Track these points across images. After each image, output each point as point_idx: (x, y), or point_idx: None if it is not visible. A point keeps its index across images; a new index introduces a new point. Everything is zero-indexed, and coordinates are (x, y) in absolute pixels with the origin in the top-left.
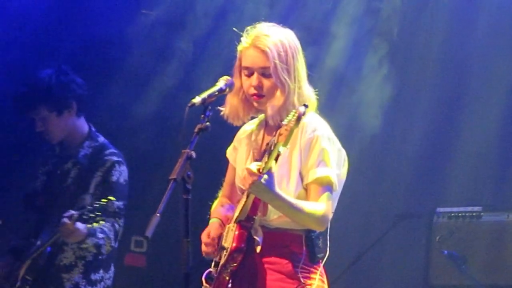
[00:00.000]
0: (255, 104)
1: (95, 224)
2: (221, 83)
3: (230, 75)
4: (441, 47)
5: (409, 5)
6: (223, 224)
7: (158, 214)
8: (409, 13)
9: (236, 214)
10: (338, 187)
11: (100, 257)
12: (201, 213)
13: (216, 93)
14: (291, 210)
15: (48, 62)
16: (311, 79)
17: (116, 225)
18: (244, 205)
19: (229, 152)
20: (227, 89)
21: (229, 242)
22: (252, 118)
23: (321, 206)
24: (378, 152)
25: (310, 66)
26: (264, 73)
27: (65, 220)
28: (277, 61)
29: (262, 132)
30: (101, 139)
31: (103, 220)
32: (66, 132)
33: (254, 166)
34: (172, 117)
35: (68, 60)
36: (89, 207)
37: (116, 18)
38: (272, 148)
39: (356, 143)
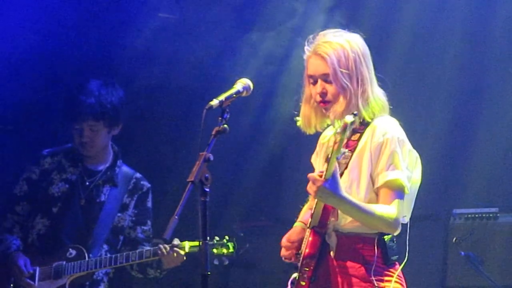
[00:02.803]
0: (324, 110)
1: None
2: (239, 85)
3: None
4: (458, 47)
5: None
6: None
7: (176, 217)
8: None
9: (310, 220)
10: (412, 189)
11: None
12: (217, 215)
13: (234, 95)
14: (359, 213)
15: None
16: None
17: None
18: (314, 211)
19: (313, 158)
20: (244, 92)
21: (303, 248)
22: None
23: (392, 209)
24: None
25: None
26: (326, 79)
27: (179, 250)
28: (336, 67)
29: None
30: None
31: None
32: (104, 147)
33: (317, 173)
34: (189, 120)
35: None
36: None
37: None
38: (330, 156)
39: None
